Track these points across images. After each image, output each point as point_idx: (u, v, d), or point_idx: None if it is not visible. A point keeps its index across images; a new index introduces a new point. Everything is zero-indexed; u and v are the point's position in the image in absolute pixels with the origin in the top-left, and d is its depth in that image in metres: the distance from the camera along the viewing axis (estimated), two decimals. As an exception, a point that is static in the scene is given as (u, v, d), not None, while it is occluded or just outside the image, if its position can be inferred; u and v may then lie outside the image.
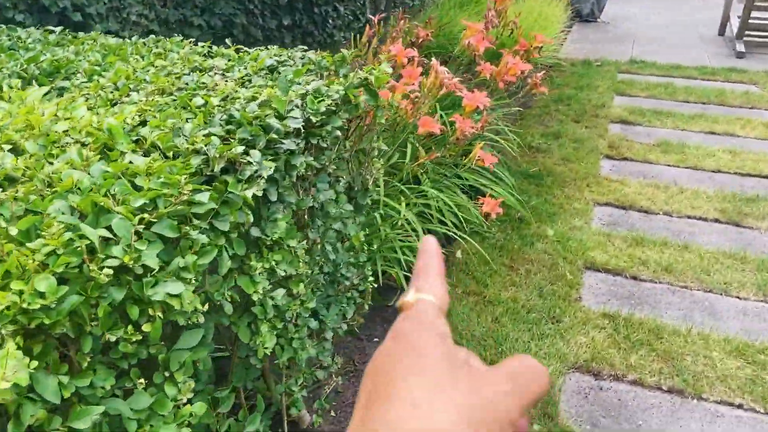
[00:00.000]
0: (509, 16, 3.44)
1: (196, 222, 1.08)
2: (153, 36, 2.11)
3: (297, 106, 1.46)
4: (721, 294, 2.81)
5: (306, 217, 1.60)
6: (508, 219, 3.35)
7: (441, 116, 3.12)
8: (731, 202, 3.59)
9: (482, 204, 2.81)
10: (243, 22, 4.43)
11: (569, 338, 2.50)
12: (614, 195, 3.65)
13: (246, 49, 1.99)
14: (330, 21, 5.68)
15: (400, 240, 2.60)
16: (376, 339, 2.54)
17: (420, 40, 3.44)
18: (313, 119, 1.47)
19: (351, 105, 1.69)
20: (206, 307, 1.13)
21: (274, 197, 1.34)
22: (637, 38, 7.23)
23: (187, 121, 1.35)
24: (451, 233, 2.78)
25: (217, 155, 1.18)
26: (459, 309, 2.64)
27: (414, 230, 2.60)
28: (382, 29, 3.01)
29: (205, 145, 1.19)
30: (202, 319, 1.13)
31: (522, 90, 3.24)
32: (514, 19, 3.50)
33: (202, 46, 2.06)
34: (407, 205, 2.81)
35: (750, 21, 6.51)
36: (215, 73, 1.76)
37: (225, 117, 1.36)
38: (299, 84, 1.64)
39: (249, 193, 1.19)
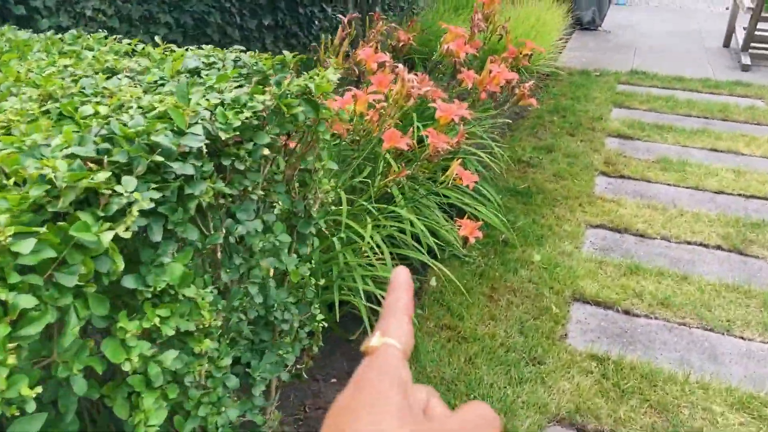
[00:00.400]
0: (498, 20, 3.16)
1: (13, 279, 0.79)
2: (73, 31, 1.82)
3: (204, 119, 1.17)
4: (723, 333, 2.52)
5: (219, 254, 1.31)
6: (491, 241, 3.06)
7: (418, 128, 2.83)
8: (735, 227, 3.30)
9: (460, 227, 2.52)
10: (218, 21, 4.15)
11: (551, 384, 2.20)
12: (608, 216, 3.36)
13: (175, 48, 1.70)
14: (316, 22, 5.41)
15: (363, 266, 2.31)
16: (334, 380, 2.25)
17: (401, 43, 3.16)
18: (224, 136, 1.18)
19: (285, 118, 1.40)
20: (38, 390, 0.84)
21: (158, 236, 1.04)
22: (639, 48, 6.95)
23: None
24: (425, 259, 2.49)
25: (65, 184, 0.89)
26: (430, 346, 2.35)
27: (376, 254, 2.31)
28: (355, 31, 2.73)
29: (54, 172, 0.90)
30: (32, 407, 0.84)
31: (509, 101, 2.96)
32: (503, 23, 3.21)
33: (128, 44, 1.77)
34: (377, 226, 2.52)
35: (756, 33, 6.23)
36: (125, 76, 1.47)
37: (104, 132, 1.07)
38: (221, 92, 1.35)
39: (108, 236, 0.91)
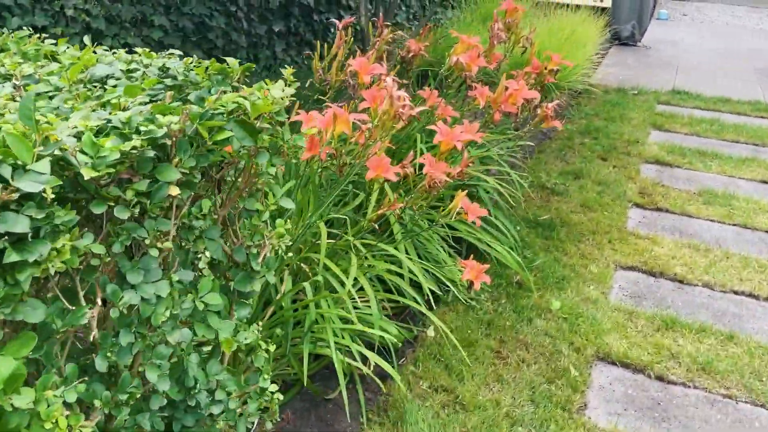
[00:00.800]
0: (521, 30, 2.78)
1: None
2: (-7, 28, 1.51)
3: (63, 149, 0.83)
4: (778, 410, 2.09)
5: (94, 334, 0.96)
6: (504, 283, 2.66)
7: (421, 151, 2.47)
8: (791, 274, 2.85)
9: (464, 268, 2.14)
10: (221, 26, 3.85)
11: (564, 471, 1.81)
12: (642, 256, 2.94)
13: (104, 51, 1.37)
14: (332, 30, 5.09)
15: (343, 315, 1.94)
16: (303, 449, 1.89)
17: (411, 54, 2.80)
18: (89, 174, 0.83)
19: (207, 147, 1.06)
20: None
21: (-47, 328, 0.70)
22: (682, 66, 6.48)
23: None
24: (419, 308, 2.12)
25: None
26: (420, 414, 1.97)
27: (354, 299, 1.95)
28: (353, 38, 2.39)
29: None
30: None
31: (529, 123, 2.58)
32: (527, 34, 2.83)
33: (52, 44, 1.45)
34: (369, 266, 2.16)
35: (813, 52, 5.72)
36: (14, 84, 1.14)
37: None
38: (123, 109, 1.01)
39: None
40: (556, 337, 2.36)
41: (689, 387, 2.18)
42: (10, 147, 0.79)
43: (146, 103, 1.05)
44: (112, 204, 0.90)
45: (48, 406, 0.82)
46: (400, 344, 2.24)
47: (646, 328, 2.45)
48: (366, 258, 2.08)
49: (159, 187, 0.97)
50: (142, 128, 0.92)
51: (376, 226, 1.93)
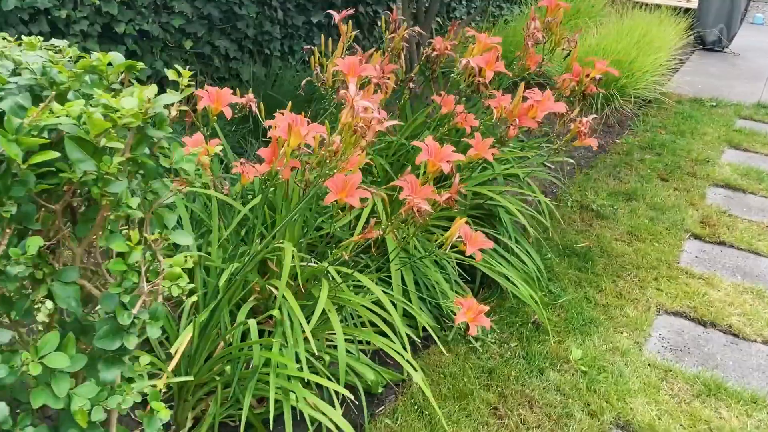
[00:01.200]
0: (561, 31, 2.40)
1: None
2: None
3: None
4: None
5: None
6: (519, 322, 2.31)
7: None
8: None
9: (458, 309, 1.81)
10: (252, 15, 3.63)
11: None
12: (692, 300, 2.51)
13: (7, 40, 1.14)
14: (379, 24, 4.79)
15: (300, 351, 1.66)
16: None
17: (435, 53, 2.48)
18: None
19: (26, 171, 0.80)
20: None
21: None
22: (773, 76, 5.81)
23: None
24: (394, 354, 1.81)
25: None
26: (386, 478, 1.67)
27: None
28: (354, 33, 2.09)
29: None
30: None
31: (559, 139, 2.21)
32: (570, 36, 2.45)
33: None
34: (349, 299, 1.87)
35: None
36: None
37: None
38: None
39: None
40: (569, 395, 2.00)
41: (727, 476, 1.78)
42: None
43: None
44: None
45: None
46: (380, 389, 1.95)
47: (684, 392, 2.05)
48: (341, 289, 1.79)
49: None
50: None
51: (351, 255, 1.64)
